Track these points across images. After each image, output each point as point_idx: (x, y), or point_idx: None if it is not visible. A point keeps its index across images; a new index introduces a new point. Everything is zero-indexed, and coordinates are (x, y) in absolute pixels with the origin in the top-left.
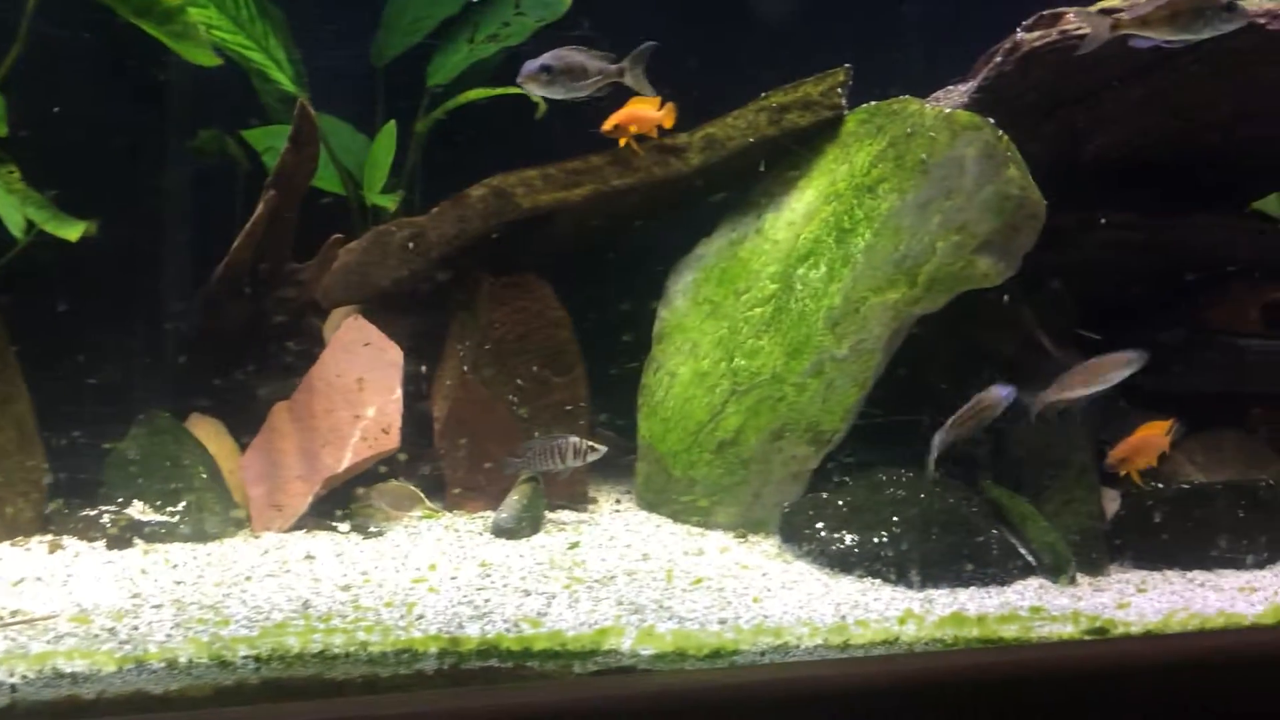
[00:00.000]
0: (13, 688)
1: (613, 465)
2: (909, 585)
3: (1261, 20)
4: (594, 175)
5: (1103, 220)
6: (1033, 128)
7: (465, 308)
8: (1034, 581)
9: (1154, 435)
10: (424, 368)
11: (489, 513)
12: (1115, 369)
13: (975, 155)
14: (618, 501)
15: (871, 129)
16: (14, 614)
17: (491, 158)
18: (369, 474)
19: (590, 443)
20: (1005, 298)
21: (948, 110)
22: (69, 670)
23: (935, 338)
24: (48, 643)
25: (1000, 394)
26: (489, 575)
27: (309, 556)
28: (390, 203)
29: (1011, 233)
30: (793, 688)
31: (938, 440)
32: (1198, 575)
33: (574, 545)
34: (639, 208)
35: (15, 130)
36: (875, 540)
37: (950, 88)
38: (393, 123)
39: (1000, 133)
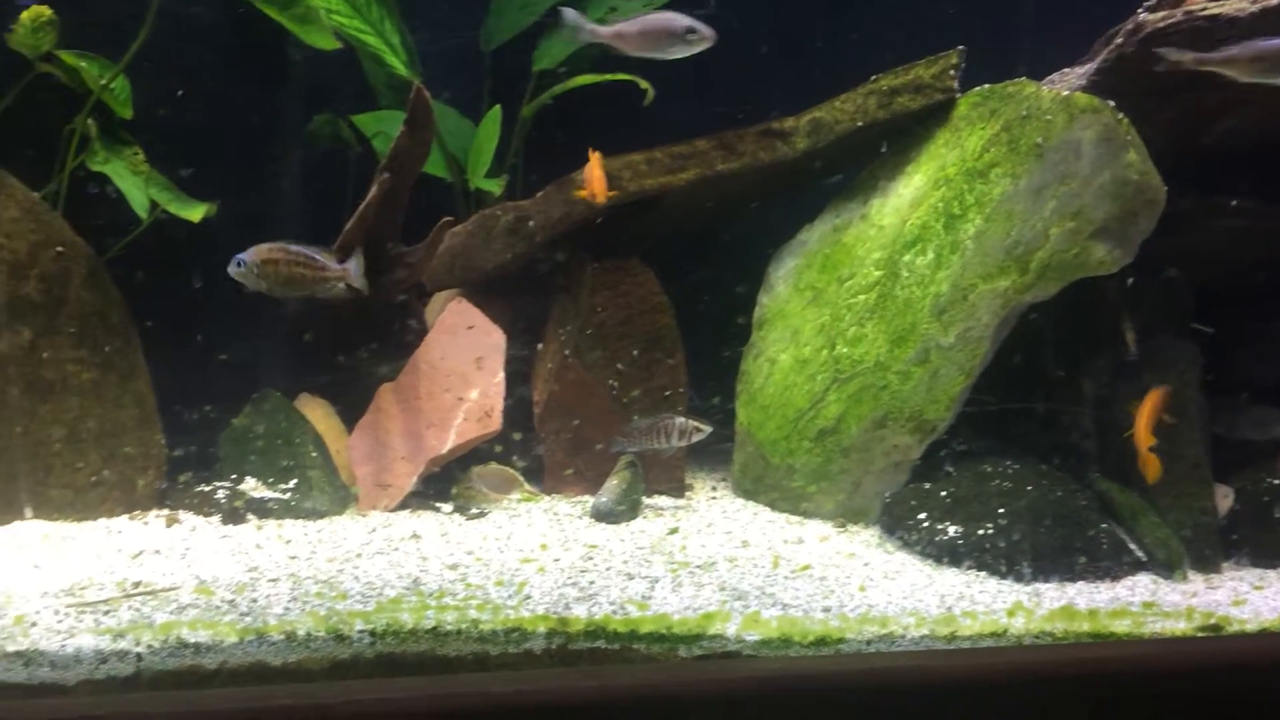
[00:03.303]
0: (139, 656)
1: (708, 452)
2: (1018, 578)
3: None
4: (699, 160)
5: (1234, 203)
6: (1153, 111)
7: (567, 291)
8: (1144, 577)
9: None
10: (530, 350)
11: (587, 497)
12: None
13: (1093, 139)
14: (714, 488)
15: (984, 112)
16: (136, 585)
17: (597, 142)
18: (473, 454)
19: (695, 423)
20: (1129, 281)
21: (1065, 93)
22: (193, 640)
23: (1051, 324)
24: (171, 613)
25: None
26: (591, 558)
27: (415, 535)
28: (495, 187)
29: (1129, 219)
30: (899, 677)
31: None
32: None
33: (673, 530)
34: (744, 192)
35: (141, 113)
36: (981, 532)
37: (1067, 70)
38: (498, 107)
39: (1120, 115)
